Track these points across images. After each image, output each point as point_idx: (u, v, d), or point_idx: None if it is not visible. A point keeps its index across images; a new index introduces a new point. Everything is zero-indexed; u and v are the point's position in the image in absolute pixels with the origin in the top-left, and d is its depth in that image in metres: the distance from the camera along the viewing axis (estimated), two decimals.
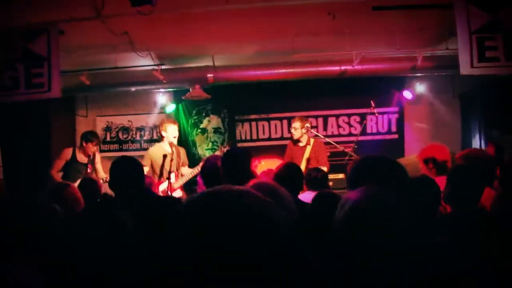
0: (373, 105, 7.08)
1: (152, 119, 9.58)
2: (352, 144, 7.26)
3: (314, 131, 7.50)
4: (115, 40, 6.27)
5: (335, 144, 7.16)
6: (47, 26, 5.60)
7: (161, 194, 6.14)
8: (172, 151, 6.49)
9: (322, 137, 7.49)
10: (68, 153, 6.94)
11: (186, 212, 1.15)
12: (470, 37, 4.94)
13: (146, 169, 5.89)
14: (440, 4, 5.64)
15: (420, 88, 8.74)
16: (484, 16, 4.97)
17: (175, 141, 6.63)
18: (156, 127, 9.56)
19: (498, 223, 2.93)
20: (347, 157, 6.97)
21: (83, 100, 9.53)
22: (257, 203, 1.15)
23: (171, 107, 9.13)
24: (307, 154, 6.87)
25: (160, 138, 6.88)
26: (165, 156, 6.42)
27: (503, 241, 2.64)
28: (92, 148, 6.90)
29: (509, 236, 2.67)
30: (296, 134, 6.92)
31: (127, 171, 3.74)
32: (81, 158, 6.94)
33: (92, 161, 7.01)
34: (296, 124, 6.91)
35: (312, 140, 7.00)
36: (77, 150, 6.98)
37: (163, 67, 7.48)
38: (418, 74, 7.99)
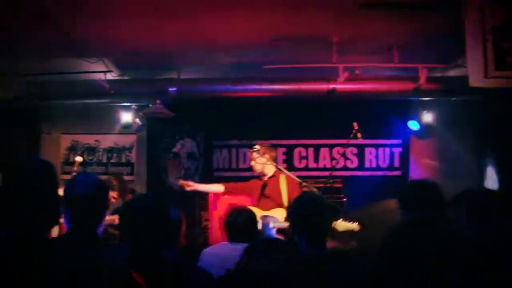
0: (356, 127, 5.27)
1: (122, 140, 8.43)
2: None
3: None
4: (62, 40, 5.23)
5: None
6: None
7: None
8: None
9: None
10: None
11: None
12: (484, 38, 3.66)
13: None
14: (450, 2, 4.38)
15: (428, 117, 7.47)
16: (504, 11, 3.70)
17: None
18: (126, 149, 8.50)
19: None
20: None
21: (47, 114, 8.41)
22: None
23: (140, 127, 7.95)
24: (284, 184, 5.54)
25: None
26: None
27: None
28: None
29: None
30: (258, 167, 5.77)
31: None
32: None
33: None
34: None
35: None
36: None
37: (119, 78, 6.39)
38: (426, 98, 6.69)
